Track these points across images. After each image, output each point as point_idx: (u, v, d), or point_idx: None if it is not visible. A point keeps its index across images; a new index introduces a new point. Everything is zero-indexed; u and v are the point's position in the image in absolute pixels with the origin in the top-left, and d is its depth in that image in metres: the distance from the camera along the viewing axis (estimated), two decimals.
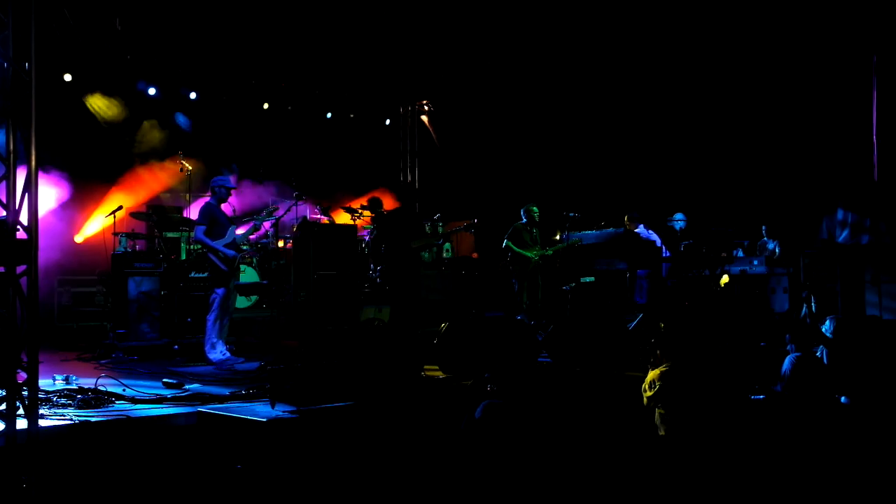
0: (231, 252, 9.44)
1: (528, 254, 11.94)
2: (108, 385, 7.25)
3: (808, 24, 12.49)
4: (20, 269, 5.51)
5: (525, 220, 12.12)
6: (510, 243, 12.05)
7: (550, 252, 12.08)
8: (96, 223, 13.13)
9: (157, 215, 11.77)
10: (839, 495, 5.39)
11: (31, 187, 5.51)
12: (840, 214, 10.98)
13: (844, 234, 10.91)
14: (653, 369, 6.30)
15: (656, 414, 6.19)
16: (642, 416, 6.26)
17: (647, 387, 6.24)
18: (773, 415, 6.67)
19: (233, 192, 9.92)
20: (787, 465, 5.69)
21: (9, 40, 5.54)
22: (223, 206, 9.78)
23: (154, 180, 14.12)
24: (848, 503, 5.33)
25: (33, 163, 5.50)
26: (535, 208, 12.11)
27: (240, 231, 10.00)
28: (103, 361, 9.47)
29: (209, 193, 9.84)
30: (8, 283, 5.46)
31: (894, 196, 10.64)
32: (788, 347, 7.15)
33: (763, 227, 13.73)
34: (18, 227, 5.52)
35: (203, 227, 9.42)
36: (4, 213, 5.50)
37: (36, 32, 5.57)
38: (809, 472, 5.61)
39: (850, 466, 5.69)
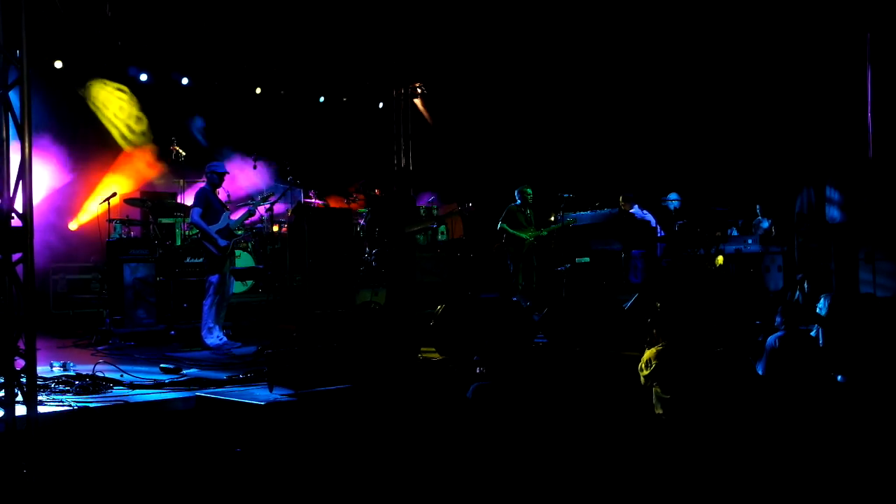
0: (223, 241, 9.44)
1: (523, 235, 11.95)
2: (106, 371, 7.26)
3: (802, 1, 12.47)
4: (16, 256, 5.51)
5: (519, 201, 12.12)
6: (505, 225, 12.05)
7: (545, 233, 12.10)
8: (91, 210, 13.08)
9: (152, 201, 11.74)
10: (833, 471, 5.43)
11: (25, 175, 5.50)
12: (829, 192, 11.01)
13: (835, 212, 10.94)
14: (649, 348, 6.34)
15: (653, 393, 6.23)
16: (639, 396, 6.30)
17: (643, 366, 6.28)
18: (764, 393, 6.70)
19: (226, 176, 9.92)
20: (781, 443, 5.74)
21: None
22: (218, 192, 9.79)
23: (148, 166, 14.06)
24: (842, 478, 5.38)
25: (27, 150, 5.49)
26: (528, 189, 12.11)
27: (234, 216, 10.00)
28: (100, 348, 9.48)
29: (203, 179, 9.84)
30: (4, 270, 5.46)
31: (888, 173, 10.66)
32: (777, 322, 7.13)
33: (757, 206, 13.74)
34: (13, 214, 5.51)
35: (199, 210, 9.41)
36: None
37: (26, 19, 5.54)
38: (804, 450, 5.66)
39: (843, 442, 5.74)
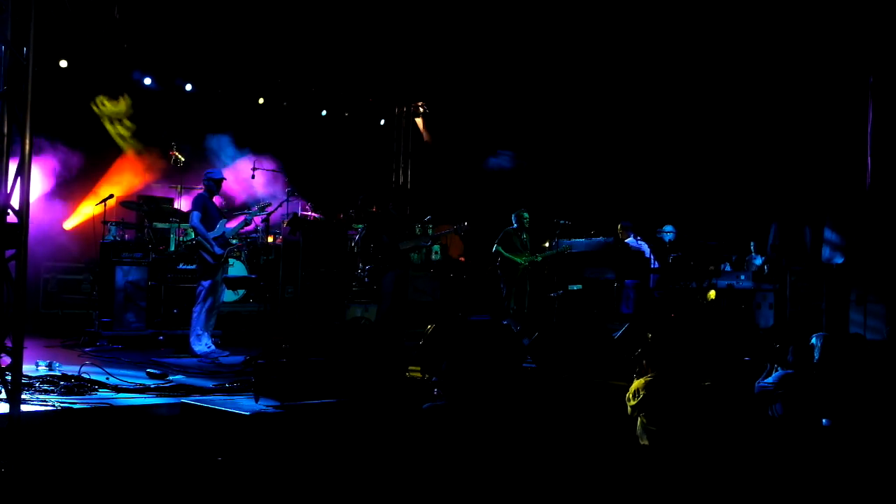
0: (219, 250, 9.43)
1: (518, 259, 11.96)
2: (92, 373, 7.23)
3: (802, 40, 12.54)
4: (9, 252, 5.50)
5: (515, 225, 12.13)
6: (500, 248, 12.06)
7: (540, 258, 12.11)
8: (86, 210, 13.06)
9: (148, 205, 11.73)
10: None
11: (23, 171, 5.49)
12: (827, 232, 11.04)
13: (828, 251, 10.98)
14: (638, 379, 6.33)
15: (638, 423, 6.21)
16: (625, 426, 6.28)
17: (630, 396, 6.26)
18: (757, 431, 6.68)
19: (222, 184, 9.92)
20: (769, 478, 5.72)
21: (7, 23, 5.52)
22: (215, 200, 9.80)
23: (146, 170, 14.05)
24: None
25: (27, 147, 5.48)
26: (525, 214, 12.13)
27: (230, 225, 9.99)
28: (87, 349, 9.45)
29: (202, 186, 9.87)
30: None
31: (884, 216, 10.70)
32: (789, 360, 7.01)
33: (751, 243, 13.79)
34: (9, 210, 5.50)
35: (199, 214, 9.39)
36: None
37: (35, 17, 5.55)
38: (792, 487, 5.64)
39: (828, 485, 5.73)
